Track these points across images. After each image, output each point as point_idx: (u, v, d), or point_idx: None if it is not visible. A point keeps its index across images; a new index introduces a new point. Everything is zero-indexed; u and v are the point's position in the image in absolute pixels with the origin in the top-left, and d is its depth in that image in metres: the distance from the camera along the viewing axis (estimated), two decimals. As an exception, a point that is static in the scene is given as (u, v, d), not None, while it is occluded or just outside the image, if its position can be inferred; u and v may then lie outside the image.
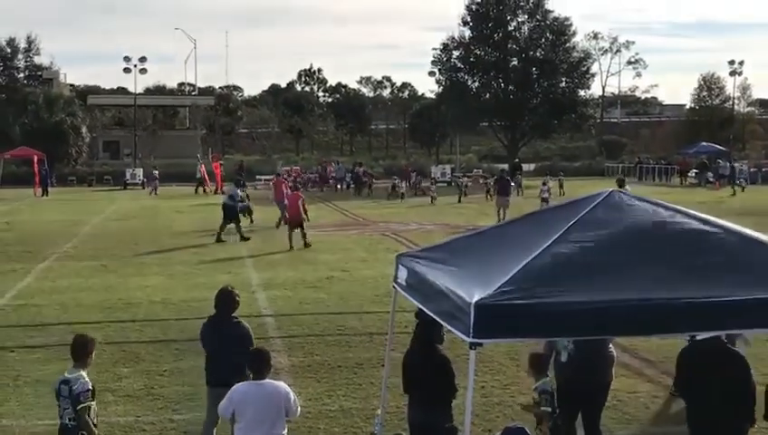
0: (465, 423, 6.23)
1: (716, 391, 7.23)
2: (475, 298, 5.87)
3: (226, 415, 7.55)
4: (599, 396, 8.74)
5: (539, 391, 7.99)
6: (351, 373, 12.39)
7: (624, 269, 6.29)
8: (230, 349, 8.57)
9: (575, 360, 8.46)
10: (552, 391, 8.01)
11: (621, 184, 23.69)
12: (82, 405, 7.42)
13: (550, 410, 7.93)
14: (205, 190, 52.89)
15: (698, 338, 7.48)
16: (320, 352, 13.49)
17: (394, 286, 8.28)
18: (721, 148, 70.89)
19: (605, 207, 7.01)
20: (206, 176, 54.22)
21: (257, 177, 59.68)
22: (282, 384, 7.60)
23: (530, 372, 8.23)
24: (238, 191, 29.44)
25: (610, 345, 8.75)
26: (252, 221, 32.09)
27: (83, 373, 7.52)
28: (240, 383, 7.62)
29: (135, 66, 71.85)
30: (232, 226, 27.65)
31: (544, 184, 38.59)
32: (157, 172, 56.34)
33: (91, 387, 7.51)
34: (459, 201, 45.21)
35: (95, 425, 7.57)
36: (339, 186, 57.85)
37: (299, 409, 7.61)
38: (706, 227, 6.88)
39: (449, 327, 6.40)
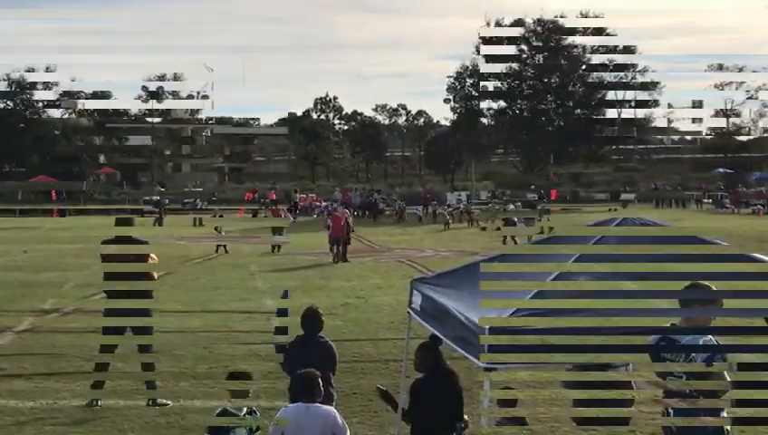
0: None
1: None
2: (489, 323, 5.88)
3: None
4: None
5: None
6: (366, 400, 12.36)
7: (635, 295, 6.29)
8: (316, 367, 8.66)
9: None
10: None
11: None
12: None
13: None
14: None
15: None
16: (334, 380, 13.44)
17: (409, 312, 8.29)
18: (738, 174, 70.58)
19: (618, 234, 7.01)
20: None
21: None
22: (331, 408, 7.59)
23: None
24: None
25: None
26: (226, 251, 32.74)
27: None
28: (290, 405, 7.62)
29: (153, 95, 72.30)
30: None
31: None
32: (214, 198, 57.10)
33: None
34: (470, 225, 47.37)
35: None
36: (356, 213, 58.17)
37: (348, 432, 7.58)
38: (718, 252, 6.88)
39: (463, 352, 6.40)
